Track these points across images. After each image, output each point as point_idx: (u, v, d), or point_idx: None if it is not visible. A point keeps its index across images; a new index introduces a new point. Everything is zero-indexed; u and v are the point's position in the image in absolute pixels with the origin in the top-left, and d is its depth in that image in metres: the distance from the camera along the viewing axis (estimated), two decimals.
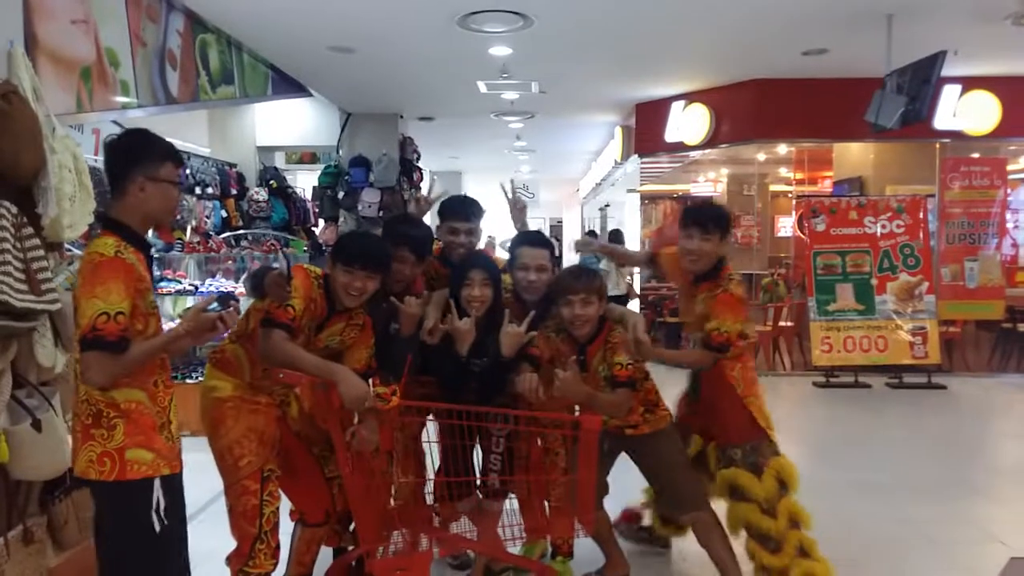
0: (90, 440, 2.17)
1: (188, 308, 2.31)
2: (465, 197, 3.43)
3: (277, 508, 2.71)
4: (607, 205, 16.04)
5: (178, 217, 7.17)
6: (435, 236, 3.39)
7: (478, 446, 3.06)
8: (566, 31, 6.50)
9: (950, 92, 8.41)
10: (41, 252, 2.73)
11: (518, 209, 3.58)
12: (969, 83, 8.46)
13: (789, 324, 9.45)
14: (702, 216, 3.16)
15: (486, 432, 2.96)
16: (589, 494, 2.83)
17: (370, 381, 2.76)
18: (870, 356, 8.26)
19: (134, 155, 2.28)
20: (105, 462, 2.15)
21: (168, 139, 2.40)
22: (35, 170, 2.76)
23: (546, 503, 3.19)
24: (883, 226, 8.45)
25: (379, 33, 6.50)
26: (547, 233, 22.68)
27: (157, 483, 2.19)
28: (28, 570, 2.68)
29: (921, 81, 6.07)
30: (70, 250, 3.24)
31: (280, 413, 2.85)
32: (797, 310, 9.38)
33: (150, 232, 2.64)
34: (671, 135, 9.49)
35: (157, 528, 2.17)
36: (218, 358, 2.84)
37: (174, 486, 2.25)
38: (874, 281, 8.38)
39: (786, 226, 16.23)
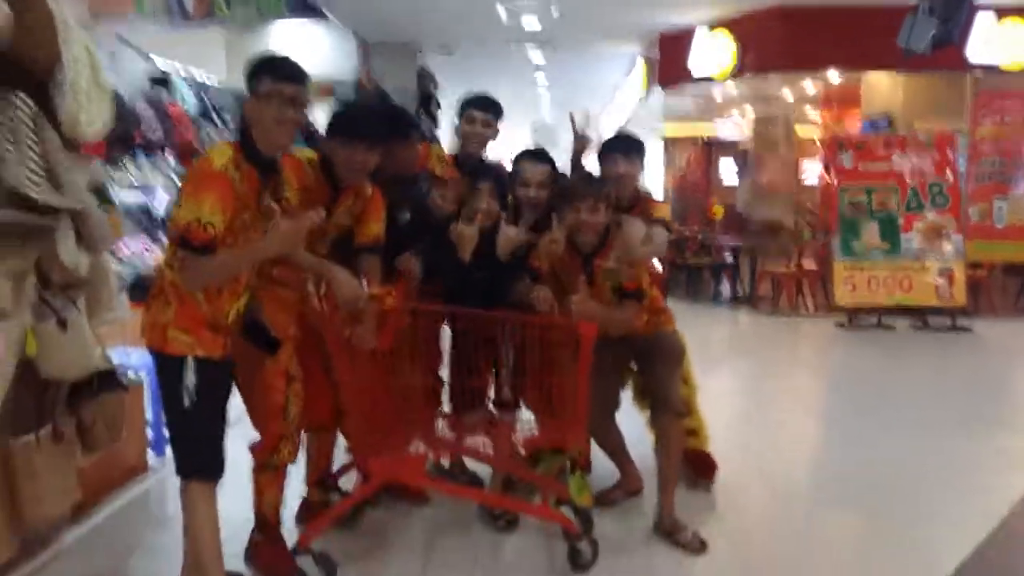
0: (150, 308, 2.36)
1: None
2: (486, 94, 3.44)
3: (301, 409, 2.71)
4: None
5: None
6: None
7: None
8: None
9: (984, 20, 8.08)
10: (60, 148, 2.69)
11: (579, 144, 3.45)
12: (1004, 12, 8.15)
13: (812, 267, 9.33)
14: (623, 143, 3.30)
15: (495, 346, 2.96)
16: (582, 403, 2.82)
17: (364, 281, 2.73)
18: (894, 296, 8.15)
19: (249, 75, 2.39)
20: (154, 330, 2.32)
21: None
22: (50, 62, 2.70)
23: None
24: (912, 162, 8.25)
25: None
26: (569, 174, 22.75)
27: (190, 362, 2.29)
28: (58, 467, 2.70)
29: (955, 1, 5.91)
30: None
31: (299, 310, 2.82)
32: (820, 252, 9.26)
33: None
34: (695, 66, 9.27)
35: (186, 403, 2.27)
36: None
37: (209, 370, 2.31)
38: (901, 219, 8.22)
39: (812, 172, 15.96)
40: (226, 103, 8.21)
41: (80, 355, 2.77)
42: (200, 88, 7.58)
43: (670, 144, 15.62)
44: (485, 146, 3.42)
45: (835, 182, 8.52)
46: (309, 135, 9.04)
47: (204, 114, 7.54)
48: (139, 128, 5.85)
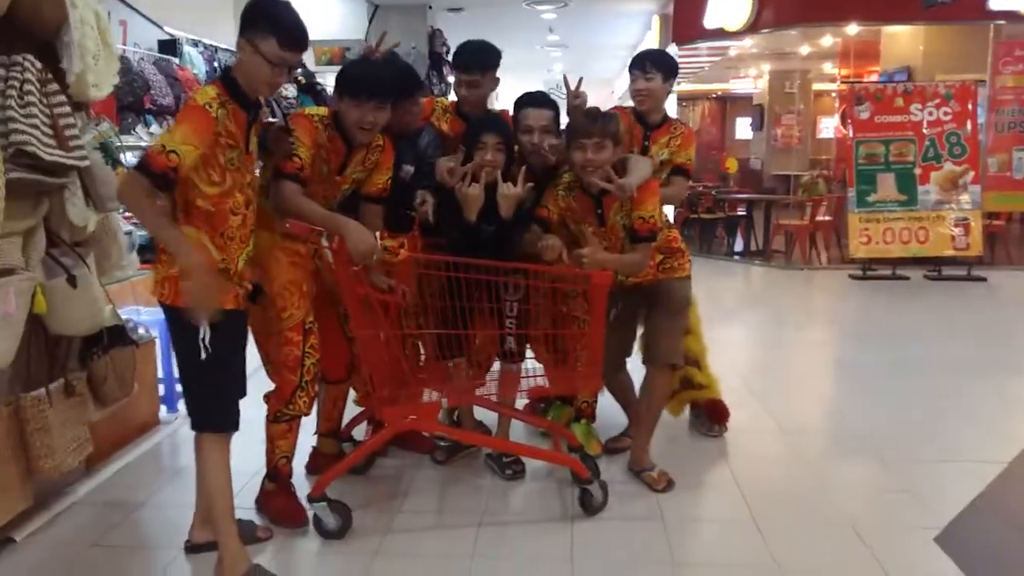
0: (159, 263, 2.33)
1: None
2: (474, 43, 3.23)
3: (317, 360, 2.75)
4: None
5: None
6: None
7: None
8: None
9: None
10: (67, 108, 2.72)
11: (576, 108, 3.19)
12: None
13: (827, 219, 9.25)
14: (640, 57, 3.20)
15: (498, 295, 2.92)
16: (597, 351, 2.82)
17: (377, 235, 2.73)
18: (909, 248, 8.09)
19: (250, 17, 2.32)
20: (165, 286, 2.29)
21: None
22: (57, 23, 2.71)
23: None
24: (930, 113, 8.12)
25: None
26: None
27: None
28: (70, 420, 2.77)
29: None
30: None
31: (315, 266, 2.85)
32: (836, 204, 9.17)
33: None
34: (711, 21, 9.13)
35: (203, 355, 2.26)
36: None
37: (222, 321, 2.29)
38: (918, 171, 8.12)
39: (828, 127, 15.78)
40: None
41: (90, 311, 2.82)
42: (211, 52, 7.59)
43: (684, 100, 15.46)
44: (482, 106, 3.26)
45: (851, 134, 8.40)
46: (316, 94, 9.08)
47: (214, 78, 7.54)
48: (149, 93, 5.88)
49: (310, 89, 9.03)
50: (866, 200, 8.16)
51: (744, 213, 10.23)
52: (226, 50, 8.20)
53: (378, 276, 2.75)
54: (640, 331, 3.29)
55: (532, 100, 3.09)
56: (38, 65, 2.65)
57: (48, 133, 2.61)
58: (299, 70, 9.16)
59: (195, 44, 7.49)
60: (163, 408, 3.84)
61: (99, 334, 2.93)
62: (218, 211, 2.33)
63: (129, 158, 3.91)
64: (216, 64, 7.74)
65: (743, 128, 18.42)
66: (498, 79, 3.25)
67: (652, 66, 3.13)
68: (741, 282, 8.65)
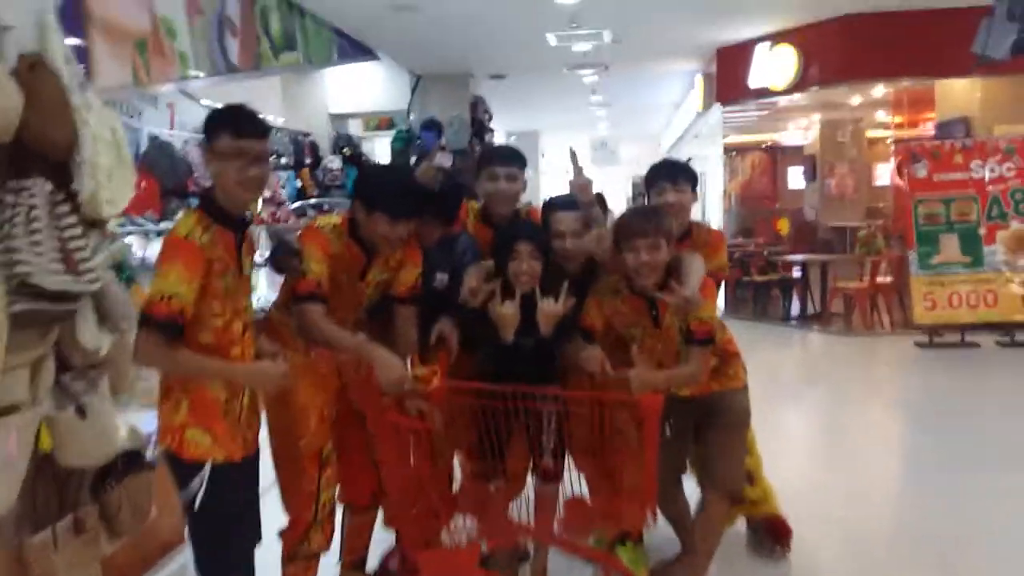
0: (161, 411, 2.27)
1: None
2: (506, 145, 3.18)
3: (334, 493, 2.58)
4: (690, 159, 15.42)
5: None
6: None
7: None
8: None
9: None
10: (79, 231, 2.61)
11: (578, 184, 2.93)
12: None
13: (888, 280, 8.84)
14: (671, 169, 3.01)
15: (535, 413, 2.70)
16: (651, 478, 2.57)
17: (408, 361, 2.54)
18: (978, 312, 7.65)
19: (205, 131, 2.27)
20: (167, 436, 2.24)
21: None
22: (67, 143, 2.63)
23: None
24: (992, 170, 7.75)
25: None
26: (628, 191, 22.08)
27: (208, 467, 2.18)
28: (80, 560, 2.60)
29: None
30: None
31: (340, 384, 2.69)
32: (896, 264, 8.77)
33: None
34: (755, 80, 8.94)
35: (198, 506, 2.17)
36: (264, 327, 2.69)
37: (224, 475, 2.18)
38: (982, 230, 7.72)
39: (884, 174, 15.31)
40: (282, 145, 8.30)
41: (101, 441, 2.67)
42: None
43: (732, 151, 15.20)
44: (513, 204, 3.09)
45: (907, 188, 8.05)
46: (361, 165, 9.11)
47: None
48: (192, 176, 5.89)
49: (355, 160, 9.09)
50: (929, 262, 7.77)
51: (799, 274, 9.88)
52: (271, 127, 8.31)
53: (410, 399, 2.56)
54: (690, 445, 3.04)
55: (557, 204, 2.92)
56: (48, 188, 2.56)
57: (56, 258, 2.51)
58: (343, 144, 9.26)
59: None
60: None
61: (113, 462, 2.80)
62: (220, 345, 2.20)
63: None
64: None
65: (795, 178, 18.06)
66: (525, 181, 3.11)
67: (685, 180, 2.93)
68: (798, 352, 8.29)
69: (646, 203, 3.08)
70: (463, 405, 2.73)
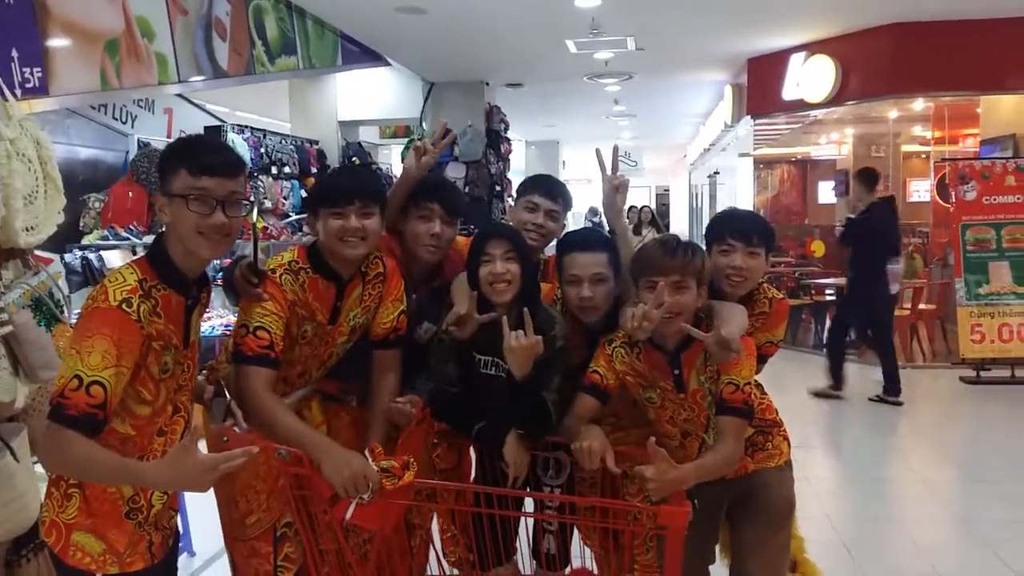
0: (48, 499, 1.80)
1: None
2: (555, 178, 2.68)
3: (296, 571, 2.10)
4: (716, 172, 14.90)
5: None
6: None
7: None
8: None
9: None
10: None
11: (613, 187, 2.50)
12: None
13: (930, 307, 8.23)
14: (744, 224, 2.35)
15: (536, 483, 2.24)
16: None
17: (367, 453, 1.97)
18: None
19: (159, 170, 1.77)
20: (52, 533, 1.76)
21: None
22: None
23: None
24: None
25: None
26: (652, 203, 21.42)
27: None
28: None
29: None
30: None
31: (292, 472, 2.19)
32: (940, 290, 8.16)
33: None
34: (789, 93, 8.40)
35: None
36: (213, 379, 2.21)
37: None
38: None
39: (920, 190, 14.60)
40: (285, 152, 7.90)
41: (14, 508, 2.23)
42: (257, 138, 7.27)
43: (761, 164, 14.61)
44: (545, 245, 2.59)
45: (952, 210, 7.46)
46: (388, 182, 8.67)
47: (261, 166, 7.25)
48: None
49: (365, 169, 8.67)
50: (977, 292, 7.17)
51: (833, 296, 9.27)
52: (275, 134, 7.91)
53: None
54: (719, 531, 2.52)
55: (578, 242, 2.32)
56: None
57: None
58: (352, 152, 8.85)
59: (240, 131, 7.18)
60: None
61: (31, 530, 2.35)
62: (141, 435, 1.74)
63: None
64: (263, 151, 7.42)
65: (826, 193, 17.43)
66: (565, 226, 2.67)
67: (761, 240, 2.30)
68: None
69: (669, 221, 2.54)
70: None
